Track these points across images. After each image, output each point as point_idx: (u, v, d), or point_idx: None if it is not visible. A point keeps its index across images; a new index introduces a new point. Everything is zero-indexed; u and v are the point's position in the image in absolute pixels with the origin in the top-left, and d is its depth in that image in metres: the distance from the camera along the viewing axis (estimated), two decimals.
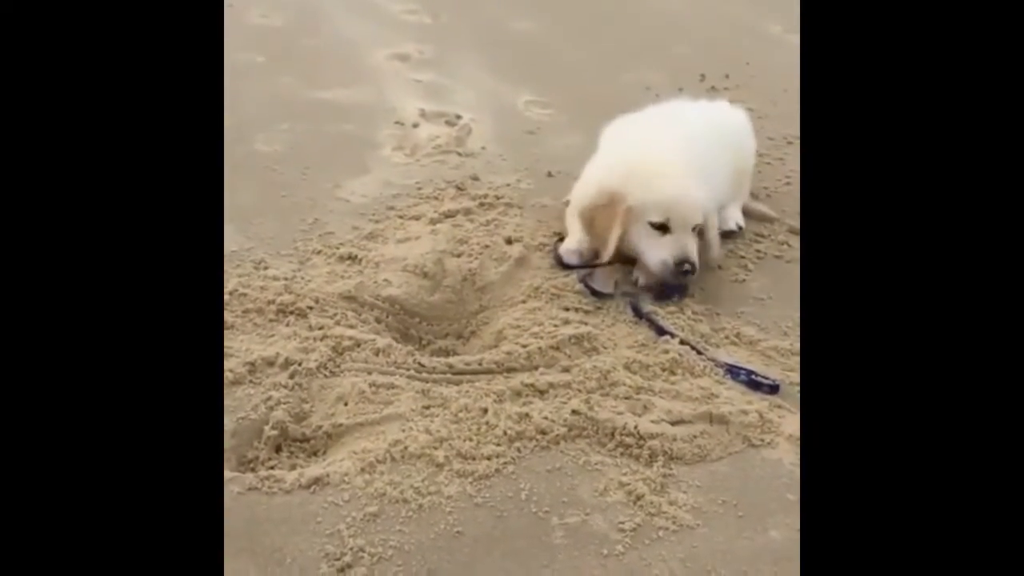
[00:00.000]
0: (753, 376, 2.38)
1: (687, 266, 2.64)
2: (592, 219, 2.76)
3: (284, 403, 2.19)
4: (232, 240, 2.79)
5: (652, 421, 2.20)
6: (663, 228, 2.67)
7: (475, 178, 3.33)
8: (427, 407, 2.22)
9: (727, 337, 2.56)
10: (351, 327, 2.47)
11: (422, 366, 2.37)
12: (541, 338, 2.44)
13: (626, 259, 2.78)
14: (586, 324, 2.52)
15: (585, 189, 2.90)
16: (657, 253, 2.68)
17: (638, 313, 2.61)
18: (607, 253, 2.70)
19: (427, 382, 2.31)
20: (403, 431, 2.12)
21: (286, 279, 2.64)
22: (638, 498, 2.00)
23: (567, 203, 3.04)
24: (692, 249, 2.67)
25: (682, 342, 2.48)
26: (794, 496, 2.04)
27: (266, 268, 2.70)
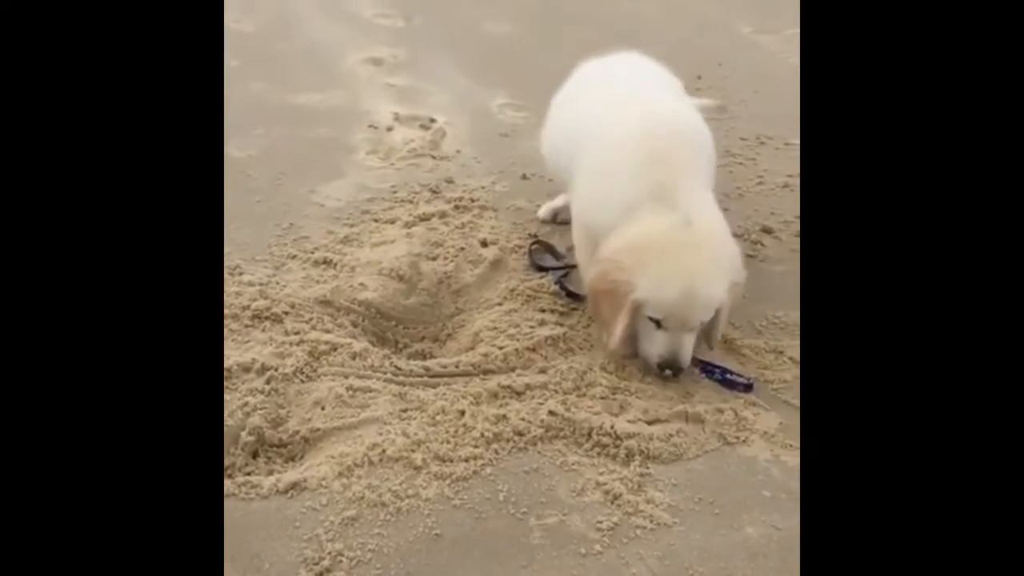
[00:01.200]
0: (727, 375, 2.40)
1: (668, 372, 2.36)
2: (596, 303, 2.42)
3: (261, 408, 2.18)
4: None
5: (628, 421, 2.21)
6: (659, 324, 2.35)
7: (450, 181, 3.33)
8: (404, 410, 2.22)
9: None
10: (327, 331, 2.47)
11: (399, 369, 2.37)
12: (517, 340, 2.45)
13: None
14: (562, 325, 2.53)
15: (588, 215, 2.57)
16: (649, 345, 2.38)
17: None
18: (613, 341, 2.37)
19: (404, 385, 2.31)
20: (380, 434, 2.12)
21: (261, 284, 2.63)
22: (615, 497, 2.02)
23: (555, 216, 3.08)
24: (685, 351, 2.36)
25: None
26: (769, 493, 2.06)
27: (241, 274, 2.69)
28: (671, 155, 2.45)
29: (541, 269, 2.80)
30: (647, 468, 2.11)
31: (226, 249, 2.79)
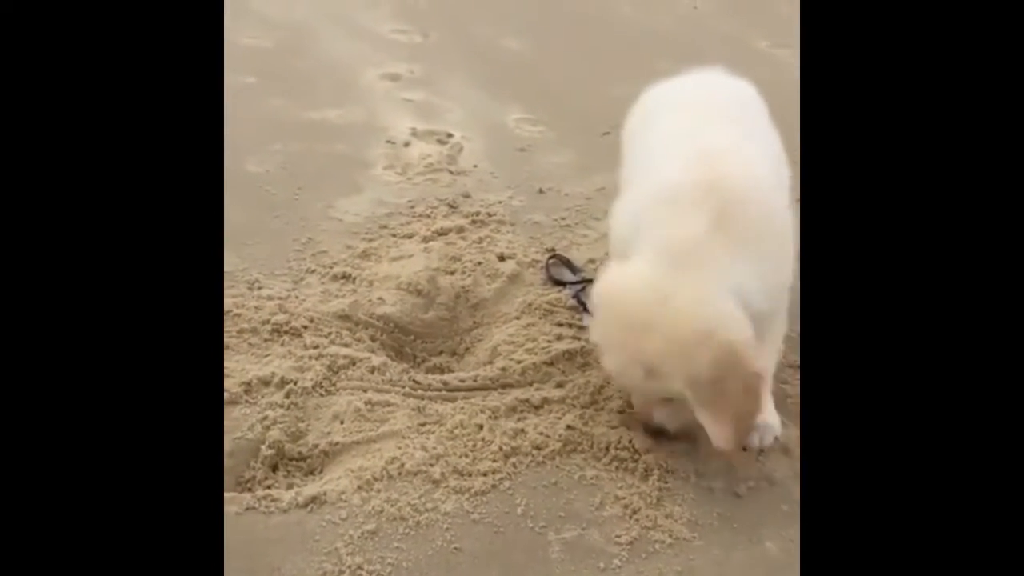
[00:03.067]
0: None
1: None
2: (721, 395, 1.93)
3: (280, 422, 2.19)
4: (226, 261, 2.80)
5: (647, 434, 2.21)
6: None
7: (467, 196, 3.34)
8: (423, 424, 2.23)
9: None
10: (346, 346, 2.48)
11: (417, 383, 2.38)
12: (535, 354, 2.46)
13: None
14: (579, 339, 2.53)
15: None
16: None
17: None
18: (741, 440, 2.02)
19: (422, 399, 2.32)
20: (399, 448, 2.13)
21: (280, 299, 2.65)
22: (634, 512, 2.01)
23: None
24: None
25: None
26: (788, 507, 2.05)
27: (260, 288, 2.71)
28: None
29: (559, 283, 2.81)
30: (666, 482, 2.11)
31: (244, 264, 2.81)
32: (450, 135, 3.87)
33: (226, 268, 2.76)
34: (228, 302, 2.58)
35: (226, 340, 2.45)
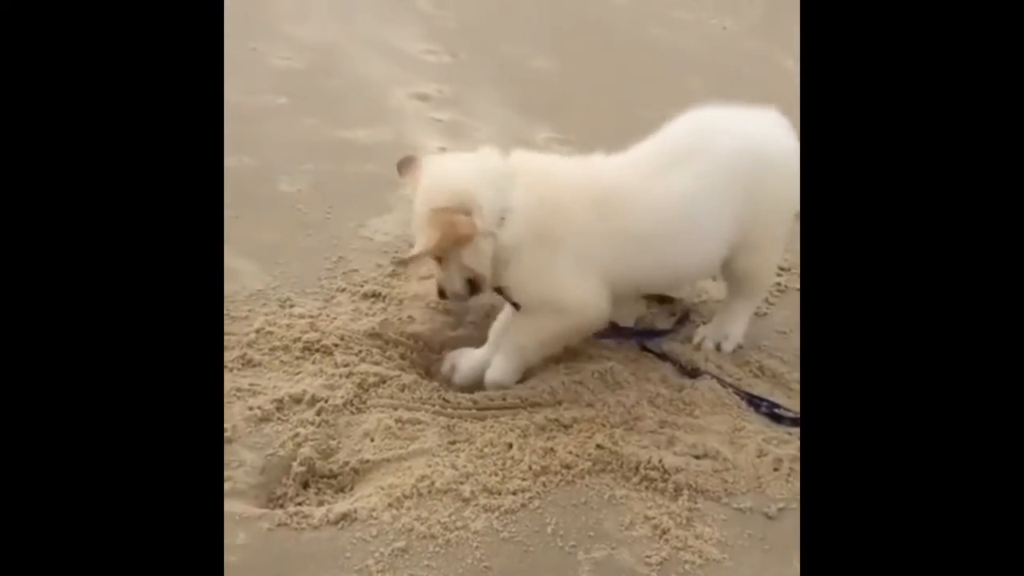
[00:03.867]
0: (775, 409, 2.39)
1: None
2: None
3: (311, 439, 2.21)
4: (258, 279, 2.83)
5: (676, 454, 2.21)
6: None
7: None
8: (452, 442, 2.24)
9: (751, 371, 2.57)
10: (376, 364, 2.50)
11: (447, 402, 2.39)
12: (564, 373, 2.46)
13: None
14: (609, 359, 2.53)
15: None
16: None
17: (660, 355, 2.61)
18: None
19: (452, 418, 2.33)
20: (429, 466, 2.14)
21: (312, 317, 2.67)
22: (664, 532, 2.01)
23: None
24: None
25: (709, 375, 2.50)
26: None
27: (292, 306, 2.73)
28: None
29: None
30: (696, 503, 2.10)
31: (277, 282, 2.84)
32: None
33: (258, 286, 2.79)
34: (260, 320, 2.60)
35: (258, 357, 2.48)
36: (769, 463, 2.21)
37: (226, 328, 2.57)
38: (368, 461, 2.18)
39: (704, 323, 2.75)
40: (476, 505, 2.05)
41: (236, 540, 1.94)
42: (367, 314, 2.73)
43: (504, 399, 2.40)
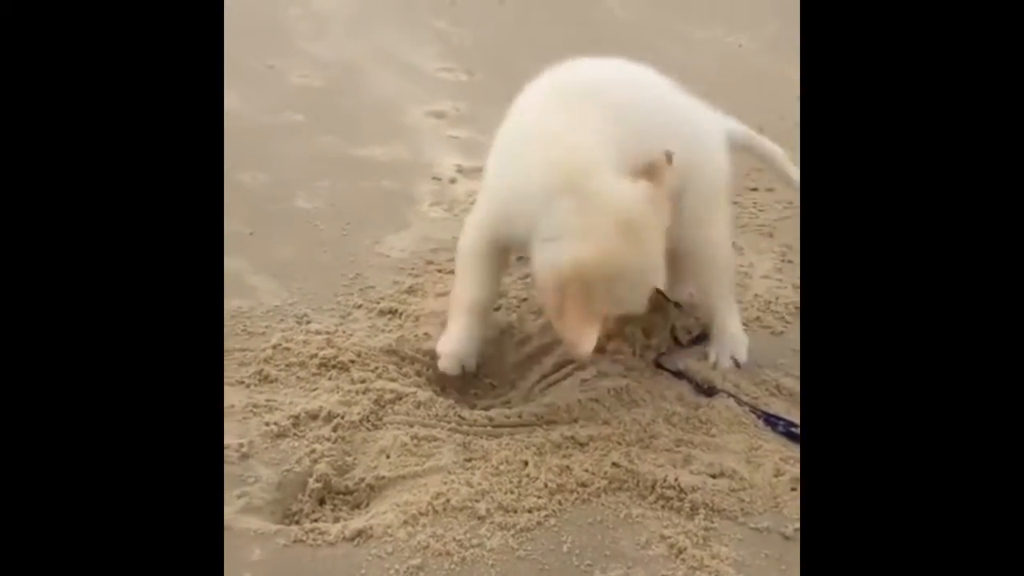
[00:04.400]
0: (791, 428, 2.38)
1: None
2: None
3: (327, 456, 2.21)
4: (275, 295, 2.84)
5: (693, 473, 2.20)
6: None
7: None
8: (468, 460, 2.23)
9: (768, 389, 2.56)
10: (392, 380, 2.50)
11: (463, 419, 2.39)
12: (581, 391, 2.46)
13: None
14: (625, 377, 2.53)
15: None
16: None
17: (676, 373, 2.60)
18: None
19: (468, 435, 2.33)
20: (445, 484, 2.14)
21: (328, 333, 2.68)
22: (680, 551, 2.00)
23: None
24: None
25: (726, 394, 2.49)
26: None
27: (308, 323, 2.74)
28: None
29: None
30: (712, 522, 2.09)
31: (294, 298, 2.85)
32: None
33: (275, 302, 2.81)
34: (277, 336, 2.62)
35: (275, 373, 2.49)
36: (786, 483, 2.20)
37: (243, 344, 2.58)
38: (384, 478, 2.19)
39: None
40: (492, 523, 2.05)
41: (252, 556, 1.94)
42: (384, 331, 2.73)
43: (520, 416, 2.39)
